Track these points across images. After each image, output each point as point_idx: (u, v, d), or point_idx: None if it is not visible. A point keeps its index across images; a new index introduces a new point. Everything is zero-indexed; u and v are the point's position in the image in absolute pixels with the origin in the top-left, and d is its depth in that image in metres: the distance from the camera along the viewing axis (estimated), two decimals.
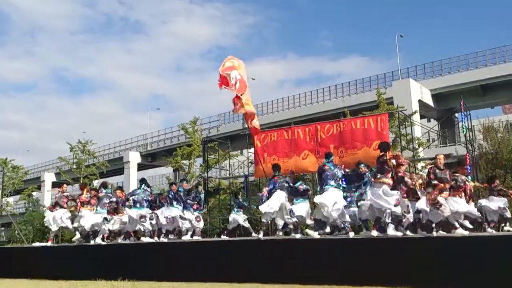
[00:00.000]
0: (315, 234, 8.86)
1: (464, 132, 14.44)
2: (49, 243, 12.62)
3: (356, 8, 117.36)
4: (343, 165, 13.19)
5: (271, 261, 8.42)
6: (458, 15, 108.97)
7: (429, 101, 35.94)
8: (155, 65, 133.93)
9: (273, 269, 8.32)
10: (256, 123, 11.44)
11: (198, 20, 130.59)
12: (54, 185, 59.82)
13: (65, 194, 12.50)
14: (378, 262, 7.38)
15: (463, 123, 14.42)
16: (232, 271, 8.75)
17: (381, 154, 8.60)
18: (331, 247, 8.26)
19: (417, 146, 21.94)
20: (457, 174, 9.08)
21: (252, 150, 16.90)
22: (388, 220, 8.23)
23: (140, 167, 54.63)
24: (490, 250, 6.83)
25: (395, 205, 8.12)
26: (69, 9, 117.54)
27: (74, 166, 35.69)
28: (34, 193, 56.36)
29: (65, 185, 13.38)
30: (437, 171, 8.42)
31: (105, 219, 11.44)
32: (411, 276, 6.97)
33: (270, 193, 9.58)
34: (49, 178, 59.68)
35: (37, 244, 15.65)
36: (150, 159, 53.88)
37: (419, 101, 34.09)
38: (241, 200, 13.64)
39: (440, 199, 8.17)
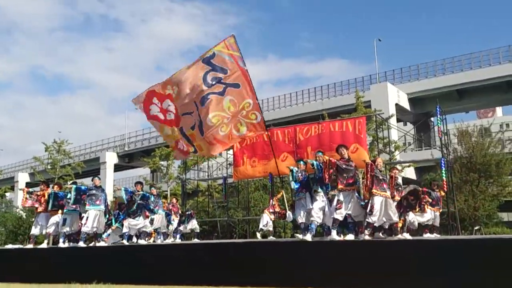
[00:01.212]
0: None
1: (440, 137, 14.69)
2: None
3: (337, 12, 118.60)
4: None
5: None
6: (437, 20, 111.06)
7: (405, 104, 36.46)
8: (135, 65, 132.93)
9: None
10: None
11: (179, 19, 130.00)
12: (28, 185, 58.65)
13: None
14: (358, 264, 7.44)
15: (439, 127, 14.65)
16: (215, 273, 8.70)
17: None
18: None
19: (393, 149, 22.23)
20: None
21: (231, 151, 16.86)
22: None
23: (117, 168, 53.96)
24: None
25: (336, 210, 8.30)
26: (47, 8, 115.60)
27: (49, 167, 35.00)
28: (7, 194, 55.12)
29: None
30: (375, 170, 8.50)
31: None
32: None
33: None
34: (23, 178, 58.37)
35: (9, 246, 15.29)
36: (127, 160, 53.25)
37: (396, 104, 34.54)
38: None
39: (377, 198, 8.25)
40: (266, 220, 13.71)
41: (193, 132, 10.27)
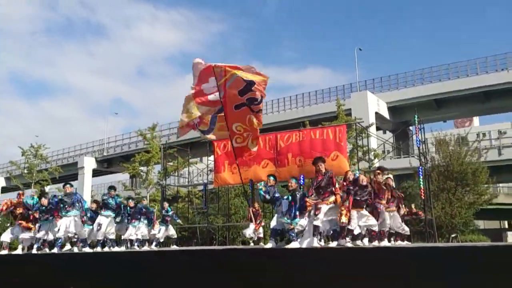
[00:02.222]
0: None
1: (418, 145, 14.91)
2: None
3: (320, 21, 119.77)
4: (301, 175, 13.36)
5: None
6: (418, 31, 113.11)
7: (385, 113, 36.94)
8: (117, 70, 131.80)
9: None
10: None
11: (163, 25, 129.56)
12: (4, 190, 57.39)
13: None
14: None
15: (417, 136, 14.88)
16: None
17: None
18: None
19: (373, 158, 22.47)
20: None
21: (212, 158, 16.81)
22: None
23: (96, 173, 53.24)
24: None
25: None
26: (28, 11, 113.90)
27: (26, 171, 34.39)
28: None
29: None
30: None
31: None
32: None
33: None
34: None
35: None
36: (106, 165, 52.58)
37: (376, 113, 34.96)
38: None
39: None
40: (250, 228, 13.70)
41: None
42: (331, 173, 8.62)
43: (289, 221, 8.49)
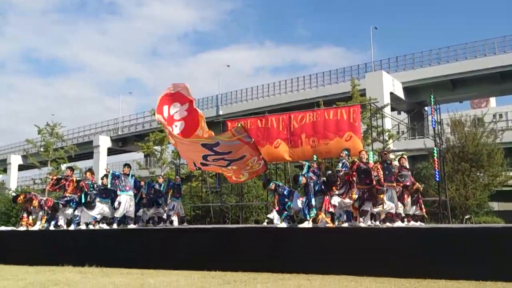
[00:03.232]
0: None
1: (433, 126, 14.73)
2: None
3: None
4: (315, 155, 13.36)
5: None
6: (435, 9, 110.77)
7: (400, 93, 36.49)
8: (130, 48, 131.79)
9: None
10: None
11: (175, 2, 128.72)
12: (21, 167, 58.40)
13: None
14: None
15: (432, 116, 14.69)
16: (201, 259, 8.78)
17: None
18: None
19: (387, 138, 22.31)
20: None
21: None
22: None
23: (110, 151, 53.82)
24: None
25: None
26: None
27: (42, 149, 34.86)
28: None
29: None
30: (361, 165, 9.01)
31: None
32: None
33: None
34: (15, 160, 58.22)
35: (2, 228, 15.29)
36: (120, 144, 53.06)
37: (391, 93, 34.56)
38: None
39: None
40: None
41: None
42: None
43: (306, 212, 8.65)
